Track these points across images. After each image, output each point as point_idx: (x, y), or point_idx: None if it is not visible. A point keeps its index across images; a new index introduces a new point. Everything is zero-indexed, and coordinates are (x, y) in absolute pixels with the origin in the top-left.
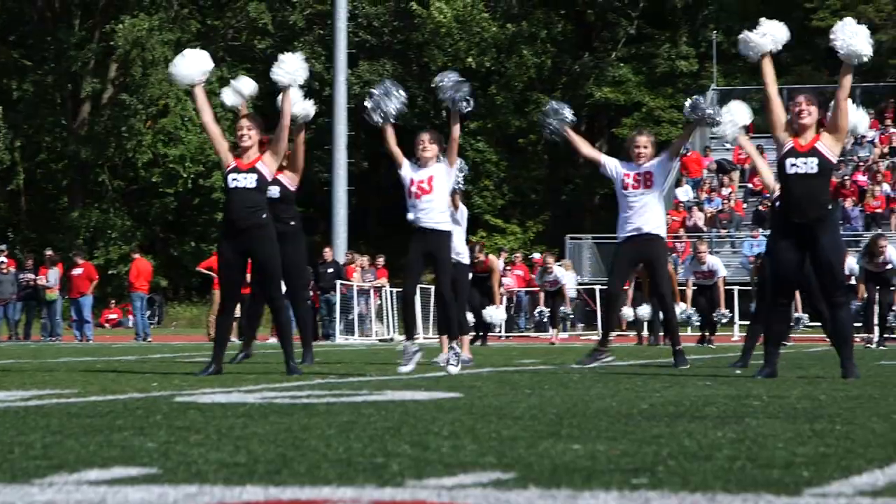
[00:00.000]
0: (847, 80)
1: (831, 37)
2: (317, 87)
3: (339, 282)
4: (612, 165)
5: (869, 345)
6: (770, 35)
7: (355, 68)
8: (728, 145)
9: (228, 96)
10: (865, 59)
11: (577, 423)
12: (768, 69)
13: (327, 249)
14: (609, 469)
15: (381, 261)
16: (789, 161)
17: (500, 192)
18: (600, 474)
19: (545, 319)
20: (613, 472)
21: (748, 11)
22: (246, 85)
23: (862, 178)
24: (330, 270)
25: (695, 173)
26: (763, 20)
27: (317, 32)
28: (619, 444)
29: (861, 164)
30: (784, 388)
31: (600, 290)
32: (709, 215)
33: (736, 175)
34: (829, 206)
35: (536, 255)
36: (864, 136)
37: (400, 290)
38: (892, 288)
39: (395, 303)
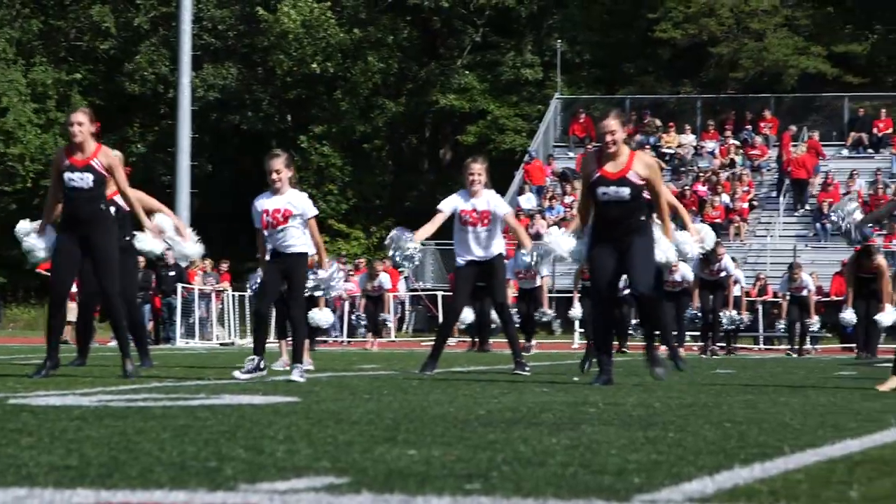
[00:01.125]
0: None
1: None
2: (161, 90)
3: (180, 285)
4: (450, 206)
5: (703, 354)
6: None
7: (200, 71)
8: (571, 154)
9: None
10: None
11: (413, 428)
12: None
13: (168, 252)
14: (443, 474)
15: (224, 265)
16: (600, 189)
17: (345, 197)
18: (434, 479)
19: (363, 324)
20: (447, 477)
21: (592, 21)
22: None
23: (702, 188)
24: (172, 273)
25: (538, 181)
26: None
27: (161, 34)
28: (455, 450)
29: (701, 174)
30: (620, 396)
31: (443, 297)
32: (551, 223)
33: (578, 183)
34: (643, 218)
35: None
36: (703, 147)
37: (241, 293)
38: (725, 294)
39: (236, 307)
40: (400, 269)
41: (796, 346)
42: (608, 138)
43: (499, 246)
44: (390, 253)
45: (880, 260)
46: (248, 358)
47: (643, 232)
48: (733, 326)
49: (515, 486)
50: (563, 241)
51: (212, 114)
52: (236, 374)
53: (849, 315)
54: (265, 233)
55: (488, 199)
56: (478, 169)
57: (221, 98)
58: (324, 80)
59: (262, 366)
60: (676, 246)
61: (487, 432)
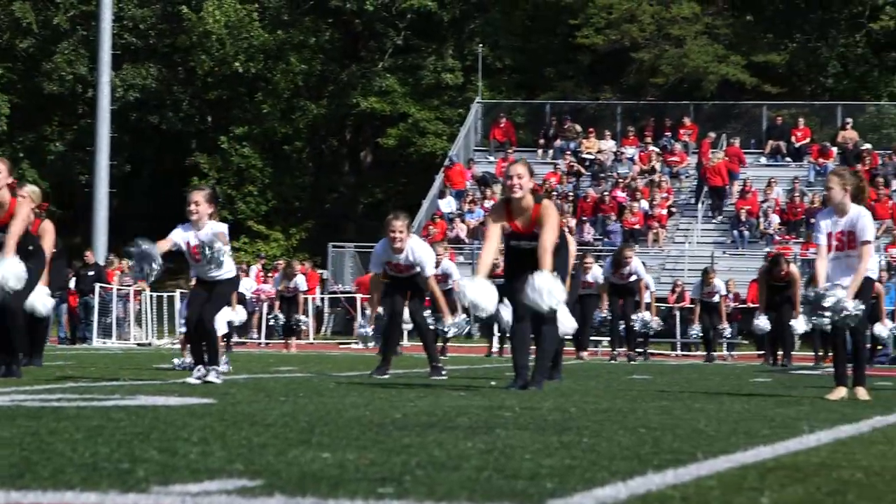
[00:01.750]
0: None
1: None
2: (80, 90)
3: (98, 284)
4: (379, 265)
5: (613, 360)
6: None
7: (119, 70)
8: (492, 158)
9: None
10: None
11: (328, 431)
12: None
13: (88, 252)
14: (356, 478)
15: None
16: (513, 242)
17: (264, 199)
18: (347, 483)
19: (280, 325)
20: (361, 480)
21: (514, 26)
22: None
23: (621, 194)
24: (90, 273)
25: (458, 185)
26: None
27: (80, 33)
28: (369, 453)
29: (621, 180)
30: (536, 400)
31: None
32: (471, 227)
33: (498, 188)
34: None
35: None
36: (622, 153)
37: (159, 294)
38: (636, 300)
39: (154, 307)
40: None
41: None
42: (515, 181)
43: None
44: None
45: (791, 268)
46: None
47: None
48: (645, 330)
49: (429, 490)
50: (483, 297)
51: (131, 113)
52: (189, 379)
53: (763, 322)
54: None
55: (413, 255)
56: (399, 226)
57: (141, 98)
58: (245, 80)
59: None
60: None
61: (402, 436)
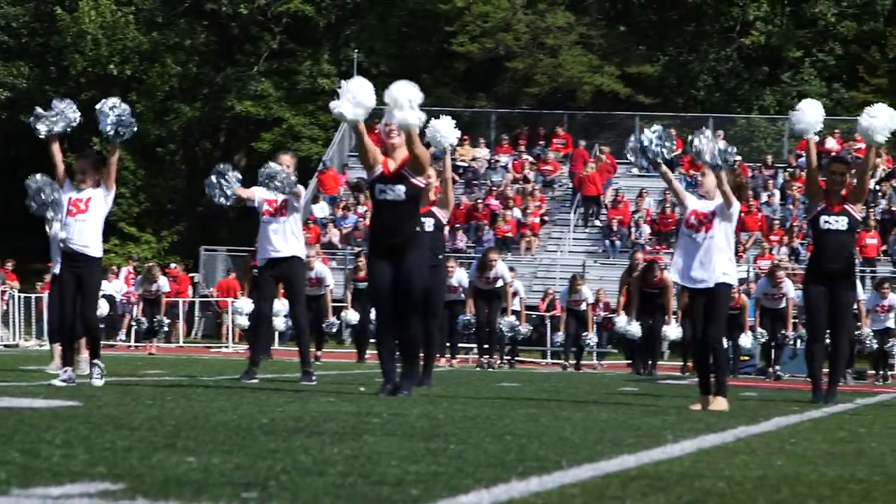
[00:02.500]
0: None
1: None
2: None
3: None
4: (257, 196)
5: (491, 367)
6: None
7: None
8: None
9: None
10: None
11: (194, 435)
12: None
13: None
14: (221, 482)
15: (10, 265)
16: (379, 189)
17: (137, 201)
18: (211, 487)
19: (142, 328)
20: (225, 485)
21: (389, 33)
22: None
23: (494, 202)
24: None
25: (331, 190)
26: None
27: None
28: (235, 458)
29: (494, 188)
30: (405, 407)
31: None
32: (344, 233)
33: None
34: (417, 228)
35: (173, 266)
36: (496, 161)
37: (27, 294)
38: (503, 306)
39: (22, 308)
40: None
41: (572, 361)
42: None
43: (296, 247)
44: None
45: (664, 274)
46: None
47: (417, 246)
48: (512, 334)
49: (293, 496)
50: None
51: (2, 113)
52: (54, 381)
53: (634, 328)
54: (57, 226)
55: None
56: (287, 161)
57: (13, 97)
58: (118, 81)
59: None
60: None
61: (269, 441)
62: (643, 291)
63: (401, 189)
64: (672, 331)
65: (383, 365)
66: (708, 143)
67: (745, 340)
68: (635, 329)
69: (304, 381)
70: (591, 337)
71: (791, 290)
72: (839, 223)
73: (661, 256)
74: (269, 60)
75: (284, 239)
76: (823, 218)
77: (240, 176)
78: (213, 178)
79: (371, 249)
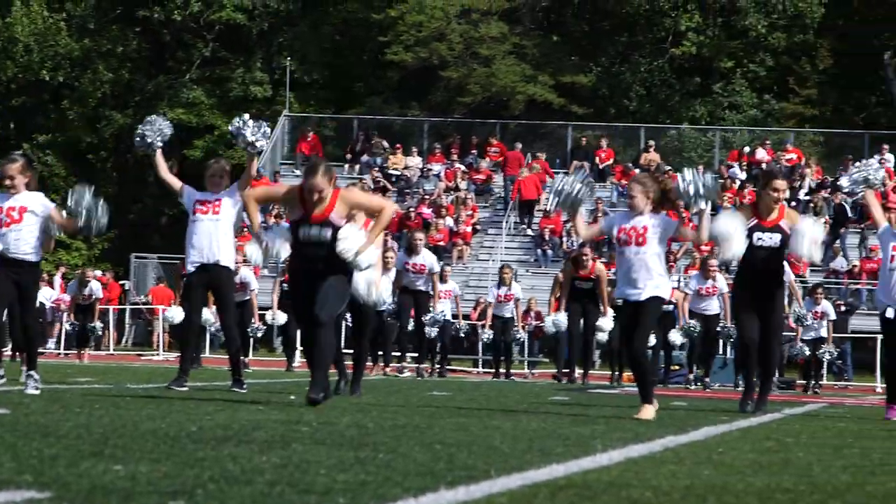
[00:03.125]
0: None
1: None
2: None
3: None
4: (186, 194)
5: (420, 376)
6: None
7: None
8: (298, 172)
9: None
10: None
11: (122, 443)
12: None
13: None
14: (147, 490)
15: None
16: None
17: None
18: (138, 496)
19: (75, 333)
20: (152, 493)
21: (323, 41)
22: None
23: (427, 210)
24: None
25: None
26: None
27: None
28: (162, 466)
29: (426, 197)
30: (334, 415)
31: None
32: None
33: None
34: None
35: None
36: (429, 170)
37: None
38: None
39: None
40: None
41: (503, 370)
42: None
43: (228, 254)
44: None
45: (597, 264)
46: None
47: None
48: (437, 326)
49: None
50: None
51: None
52: None
53: (561, 318)
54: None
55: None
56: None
57: None
58: (50, 88)
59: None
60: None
61: (197, 449)
62: (574, 284)
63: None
64: (606, 323)
65: (314, 372)
66: (690, 181)
67: (676, 336)
68: (562, 318)
69: (234, 388)
70: (520, 334)
71: (724, 286)
72: (772, 240)
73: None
74: (201, 68)
75: (217, 243)
76: (757, 234)
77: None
78: (148, 128)
79: (292, 257)
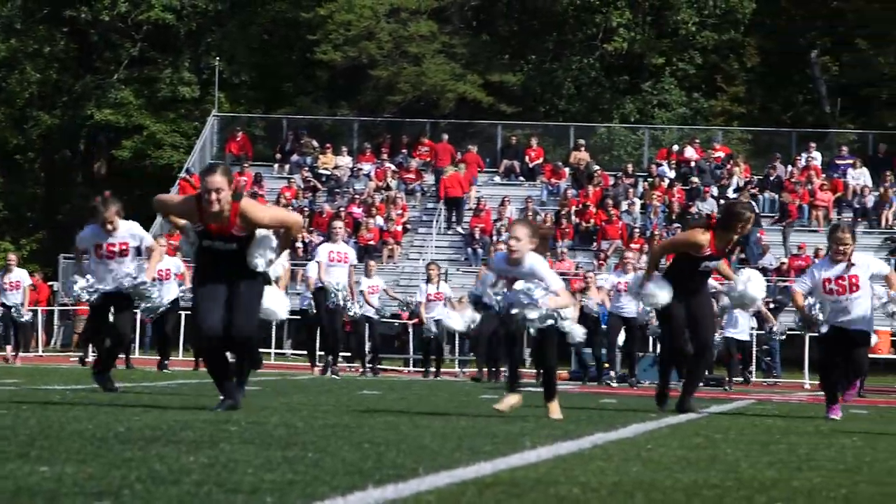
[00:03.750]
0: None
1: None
2: None
3: None
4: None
5: (358, 374)
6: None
7: None
8: None
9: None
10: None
11: (48, 444)
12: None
13: None
14: (73, 492)
15: None
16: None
17: None
18: (64, 497)
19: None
20: (77, 494)
21: (251, 41)
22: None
23: (357, 210)
24: None
25: None
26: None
27: None
28: (89, 467)
29: (357, 196)
30: (264, 415)
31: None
32: None
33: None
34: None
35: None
36: (359, 169)
37: None
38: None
39: None
40: None
41: (432, 369)
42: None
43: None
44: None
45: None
46: None
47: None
48: (355, 314)
49: None
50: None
51: None
52: None
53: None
54: None
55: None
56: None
57: None
58: None
59: None
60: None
61: (124, 450)
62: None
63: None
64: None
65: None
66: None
67: (575, 330)
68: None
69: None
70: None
71: None
72: (713, 264)
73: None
74: (129, 68)
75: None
76: (704, 264)
77: None
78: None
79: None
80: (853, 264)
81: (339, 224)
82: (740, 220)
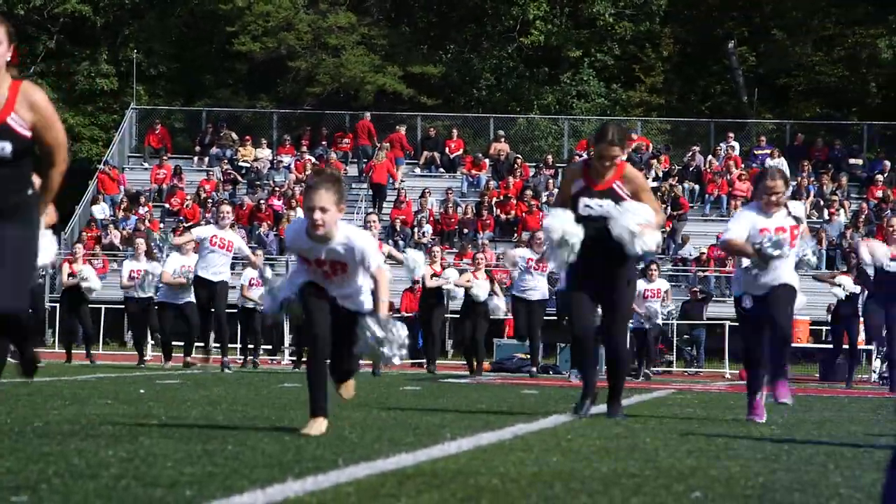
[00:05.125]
0: None
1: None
2: None
3: None
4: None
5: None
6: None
7: None
8: (147, 165)
9: None
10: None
11: None
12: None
13: None
14: None
15: None
16: None
17: None
18: None
19: None
20: None
21: (169, 33)
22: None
23: (277, 202)
24: None
25: (112, 191)
26: None
27: None
28: (6, 462)
29: (277, 189)
30: (184, 409)
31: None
32: (125, 234)
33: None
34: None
35: None
36: (279, 161)
37: None
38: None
39: None
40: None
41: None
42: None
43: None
44: None
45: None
46: None
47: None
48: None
49: (64, 499)
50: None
51: None
52: None
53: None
54: None
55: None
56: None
57: None
58: None
59: None
60: None
61: (42, 444)
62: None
63: None
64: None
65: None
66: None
67: (495, 304)
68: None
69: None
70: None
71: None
72: (602, 208)
73: (444, 256)
74: (46, 61)
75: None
76: (584, 200)
77: None
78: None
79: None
80: (795, 216)
81: (226, 209)
82: (601, 136)
